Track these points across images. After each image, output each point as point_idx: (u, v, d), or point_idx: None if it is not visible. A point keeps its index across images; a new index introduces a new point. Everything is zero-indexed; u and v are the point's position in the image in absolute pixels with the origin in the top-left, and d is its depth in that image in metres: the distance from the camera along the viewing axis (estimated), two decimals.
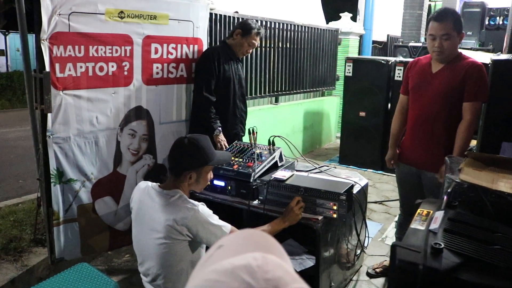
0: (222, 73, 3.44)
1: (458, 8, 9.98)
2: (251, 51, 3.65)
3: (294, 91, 6.60)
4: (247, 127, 3.11)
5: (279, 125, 6.18)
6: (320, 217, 2.47)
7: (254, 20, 3.67)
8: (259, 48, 5.59)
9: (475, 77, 2.68)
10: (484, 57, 4.27)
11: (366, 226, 3.07)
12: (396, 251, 1.54)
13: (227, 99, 3.53)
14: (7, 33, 18.69)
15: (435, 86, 2.78)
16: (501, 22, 7.14)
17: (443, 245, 1.52)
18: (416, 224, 1.74)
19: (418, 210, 1.88)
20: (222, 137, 3.40)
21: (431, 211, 1.86)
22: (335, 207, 2.43)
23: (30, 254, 3.66)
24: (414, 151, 2.94)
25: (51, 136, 2.79)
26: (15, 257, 3.57)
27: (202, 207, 2.13)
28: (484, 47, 6.68)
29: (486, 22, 7.39)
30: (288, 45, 6.21)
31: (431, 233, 1.65)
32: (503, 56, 3.17)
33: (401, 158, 3.09)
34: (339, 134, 6.90)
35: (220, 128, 3.40)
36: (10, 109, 12.20)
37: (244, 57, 5.30)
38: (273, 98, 6.30)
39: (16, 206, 4.70)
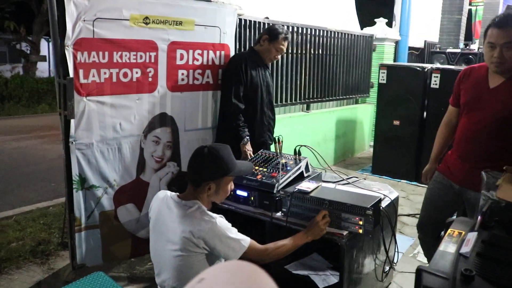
0: (249, 79, 3.37)
1: (500, 11, 9.62)
2: (279, 57, 3.57)
3: (326, 99, 6.46)
4: (277, 135, 3.01)
5: (310, 133, 6.06)
6: (345, 232, 2.35)
7: (281, 25, 3.61)
8: (290, 55, 5.50)
9: None
10: None
11: (395, 242, 2.91)
12: (422, 276, 1.41)
13: (255, 107, 3.46)
14: (50, 39, 19.28)
15: (492, 104, 2.47)
16: None
17: (474, 272, 1.37)
18: (446, 246, 1.60)
19: (449, 230, 1.74)
20: (249, 147, 3.34)
21: (463, 232, 1.71)
22: (361, 222, 2.30)
23: (57, 257, 3.70)
24: (460, 168, 2.66)
25: (73, 142, 2.78)
26: (43, 260, 3.61)
27: (220, 220, 2.06)
28: None
29: None
30: (320, 51, 6.09)
31: (461, 257, 1.51)
32: None
33: (443, 170, 2.81)
34: (372, 143, 6.71)
35: (248, 137, 3.34)
36: (50, 113, 12.54)
37: (275, 63, 5.25)
38: (305, 106, 6.18)
39: (47, 209, 4.78)
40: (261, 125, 3.54)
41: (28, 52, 16.37)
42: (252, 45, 4.10)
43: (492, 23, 2.41)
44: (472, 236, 1.64)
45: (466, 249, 1.55)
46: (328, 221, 2.35)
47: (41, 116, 12.15)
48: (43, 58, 17.47)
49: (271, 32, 3.45)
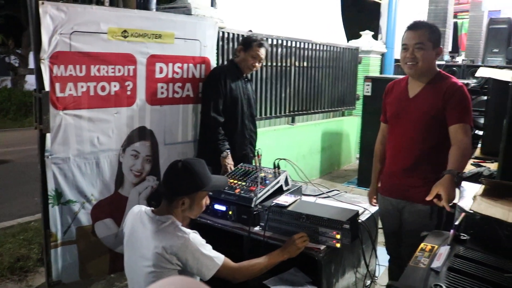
0: (229, 92, 3.37)
1: (484, 24, 9.73)
2: (257, 64, 3.51)
3: (312, 111, 6.49)
4: (262, 148, 3.00)
5: (296, 146, 6.06)
6: (322, 247, 2.32)
7: (257, 35, 3.62)
8: (274, 67, 5.51)
9: (457, 98, 2.40)
10: (507, 75, 4.08)
11: (376, 255, 2.89)
12: None
13: (235, 119, 3.45)
14: None
15: (414, 113, 2.51)
16: None
17: (444, 287, 1.36)
18: (417, 261, 1.58)
19: (422, 245, 1.72)
20: (229, 160, 3.31)
21: (436, 246, 1.69)
22: (338, 236, 2.27)
23: (36, 274, 3.64)
24: (394, 182, 2.65)
25: (49, 157, 2.75)
26: (20, 277, 3.55)
27: (193, 235, 2.03)
28: (511, 65, 6.44)
29: None
30: (305, 64, 6.12)
31: (432, 272, 1.49)
32: None
33: (381, 190, 2.81)
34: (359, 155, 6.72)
35: (228, 151, 3.31)
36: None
37: (259, 75, 5.25)
38: (290, 118, 6.18)
39: (29, 224, 4.72)
40: (242, 138, 3.52)
41: (17, 65, 16.28)
42: (230, 58, 4.11)
43: (407, 27, 2.53)
44: (444, 250, 1.63)
45: (437, 263, 1.54)
46: (306, 240, 2.32)
47: (28, 129, 12.02)
48: (32, 71, 17.35)
49: (244, 41, 3.48)
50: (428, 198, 2.14)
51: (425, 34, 2.43)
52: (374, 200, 2.90)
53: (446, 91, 2.43)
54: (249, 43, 3.43)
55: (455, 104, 2.40)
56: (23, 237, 4.23)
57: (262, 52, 3.46)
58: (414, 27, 2.48)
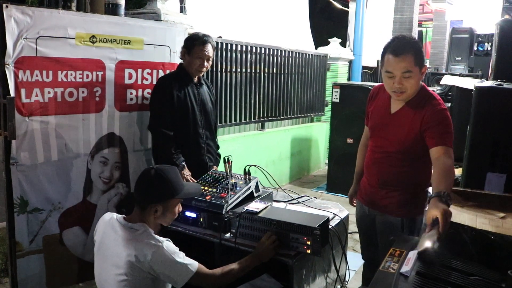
0: (177, 102, 3.11)
1: (447, 33, 10.04)
2: (206, 65, 3.17)
3: (281, 117, 6.53)
4: (232, 154, 2.89)
5: (265, 151, 6.08)
6: (293, 253, 2.33)
7: (201, 32, 3.21)
8: (244, 74, 5.53)
9: (437, 122, 2.29)
10: (470, 83, 4.22)
11: (346, 260, 2.93)
12: None
13: (187, 129, 3.19)
14: None
15: (392, 130, 2.48)
16: (489, 48, 7.16)
17: None
18: (386, 266, 1.61)
19: (391, 250, 1.75)
20: (186, 172, 3.11)
21: (405, 251, 1.73)
22: (309, 242, 2.29)
23: None
24: (369, 191, 2.68)
25: (15, 164, 2.68)
26: None
27: (167, 244, 2.02)
28: (473, 73, 6.66)
29: (475, 48, 7.42)
30: (274, 70, 6.16)
31: (401, 276, 1.52)
32: (487, 83, 3.09)
33: (358, 196, 2.85)
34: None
35: (183, 163, 3.11)
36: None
37: (228, 82, 5.25)
38: (259, 124, 6.21)
39: None
40: (197, 148, 3.27)
41: None
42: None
43: (388, 48, 2.32)
44: (413, 255, 1.66)
45: (406, 268, 1.57)
46: (275, 241, 2.33)
47: None
48: None
49: (186, 43, 3.17)
50: (428, 230, 1.88)
51: (411, 61, 2.25)
52: (355, 201, 2.95)
53: (425, 114, 2.33)
54: (191, 43, 3.12)
55: (435, 127, 2.30)
56: None
57: (207, 49, 3.12)
58: (399, 52, 2.26)
